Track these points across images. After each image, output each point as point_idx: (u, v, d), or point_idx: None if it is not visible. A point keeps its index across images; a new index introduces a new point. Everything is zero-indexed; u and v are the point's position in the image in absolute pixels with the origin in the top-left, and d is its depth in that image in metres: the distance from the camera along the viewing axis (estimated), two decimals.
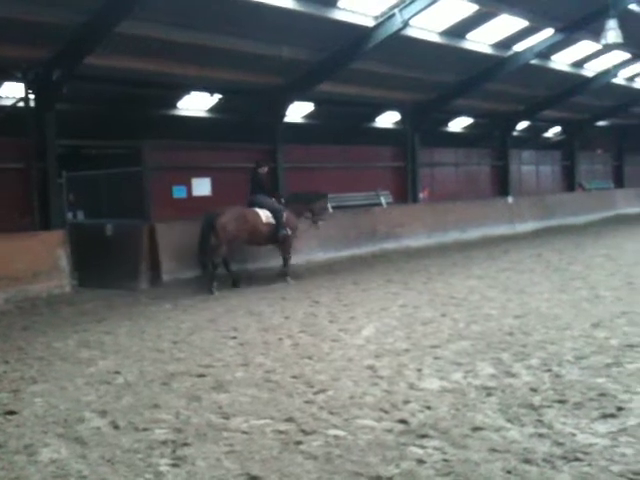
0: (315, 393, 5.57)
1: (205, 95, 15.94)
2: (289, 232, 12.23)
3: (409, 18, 13.35)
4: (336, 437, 4.58)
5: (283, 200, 12.66)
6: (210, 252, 11.53)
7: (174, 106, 16.35)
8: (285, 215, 12.30)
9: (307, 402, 5.35)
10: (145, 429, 4.88)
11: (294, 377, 6.06)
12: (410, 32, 14.27)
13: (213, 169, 15.62)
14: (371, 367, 6.27)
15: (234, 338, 7.78)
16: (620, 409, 4.84)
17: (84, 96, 14.44)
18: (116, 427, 4.93)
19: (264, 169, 12.68)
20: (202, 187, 15.42)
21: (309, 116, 18.54)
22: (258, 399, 5.48)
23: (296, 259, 15.03)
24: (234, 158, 16.01)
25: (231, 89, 15.49)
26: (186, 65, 13.59)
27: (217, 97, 15.97)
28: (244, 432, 4.75)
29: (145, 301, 10.73)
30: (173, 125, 16.27)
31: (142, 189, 14.03)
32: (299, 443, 4.50)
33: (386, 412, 5.02)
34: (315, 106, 17.92)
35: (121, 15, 10.80)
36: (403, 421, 4.81)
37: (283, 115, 16.17)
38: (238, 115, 16.79)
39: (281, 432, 4.71)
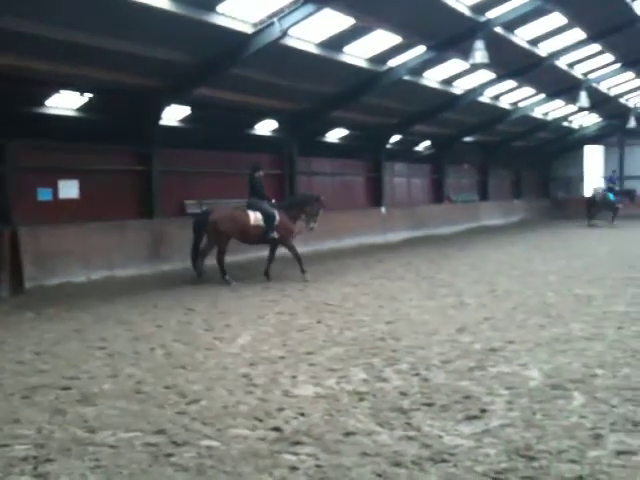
0: (188, 403, 5.44)
1: (76, 94, 15.22)
2: (276, 235, 12.65)
3: (288, 28, 13.44)
4: (209, 448, 4.49)
5: (273, 203, 13.07)
6: (202, 252, 12.70)
7: (42, 104, 15.48)
8: (278, 219, 12.69)
9: (179, 413, 5.21)
10: (4, 445, 4.57)
11: (166, 387, 5.90)
12: (289, 42, 14.38)
13: (82, 171, 14.91)
14: (246, 375, 6.22)
15: (102, 348, 7.45)
16: (484, 411, 5.09)
17: None
18: None
19: (259, 173, 13.16)
20: (69, 190, 14.67)
21: (186, 120, 18.18)
22: (127, 411, 5.27)
23: (172, 266, 14.72)
24: (105, 160, 15.39)
25: (104, 89, 14.89)
26: (55, 62, 12.91)
27: (88, 96, 15.29)
28: (111, 446, 4.56)
29: (5, 310, 10.05)
30: (41, 124, 15.37)
31: (4, 191, 13.20)
32: (170, 455, 4.38)
33: (260, 420, 4.99)
34: (192, 110, 17.61)
35: None
36: (277, 429, 4.80)
37: (158, 118, 15.76)
38: (111, 116, 16.16)
39: (151, 445, 4.56)
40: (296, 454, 4.36)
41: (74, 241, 13.02)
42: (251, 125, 20.42)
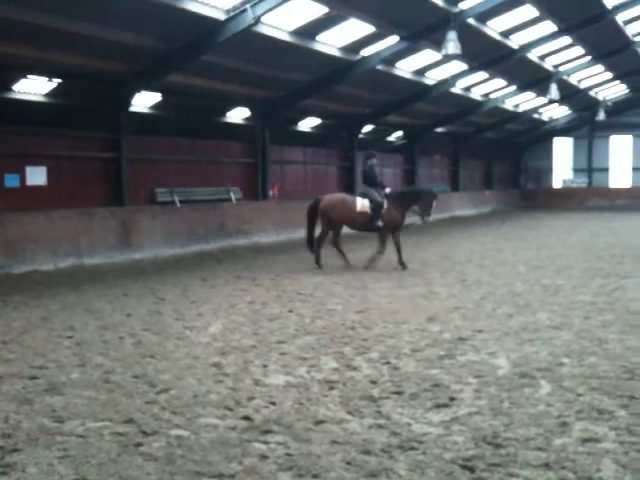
0: (157, 393, 5.40)
1: (44, 79, 14.93)
2: (381, 224, 12.56)
3: (260, 15, 13.33)
4: (178, 437, 4.46)
5: (386, 192, 12.84)
6: (319, 239, 13.06)
7: (9, 89, 15.16)
8: (385, 208, 12.56)
9: (148, 402, 5.17)
10: None
11: (135, 377, 5.84)
12: (262, 29, 14.27)
13: (50, 158, 14.67)
14: (217, 365, 6.20)
15: (70, 337, 7.36)
16: (452, 399, 5.14)
17: None
18: None
19: (372, 161, 13.22)
20: (37, 176, 14.42)
21: (157, 107, 17.96)
22: (95, 401, 5.22)
23: (143, 254, 14.60)
24: (74, 147, 15.14)
25: (73, 74, 14.62)
26: (23, 46, 12.64)
27: (56, 81, 15.00)
28: (79, 436, 4.50)
29: None
30: (8, 109, 15.05)
31: None
32: (139, 445, 4.34)
33: (230, 410, 4.98)
34: (163, 97, 17.40)
35: None
36: (247, 418, 4.79)
37: (128, 104, 15.54)
38: (80, 102, 15.90)
39: (120, 434, 4.52)
40: (266, 443, 4.36)
41: (42, 228, 12.84)
42: (223, 113, 20.28)
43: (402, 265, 12.61)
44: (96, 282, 11.42)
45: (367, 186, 13.03)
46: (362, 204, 12.70)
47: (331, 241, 13.23)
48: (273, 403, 5.11)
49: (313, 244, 13.14)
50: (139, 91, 15.75)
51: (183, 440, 4.41)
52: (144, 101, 17.18)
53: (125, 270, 12.94)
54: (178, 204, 17.30)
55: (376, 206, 12.60)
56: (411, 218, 13.59)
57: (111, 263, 13.53)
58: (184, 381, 5.71)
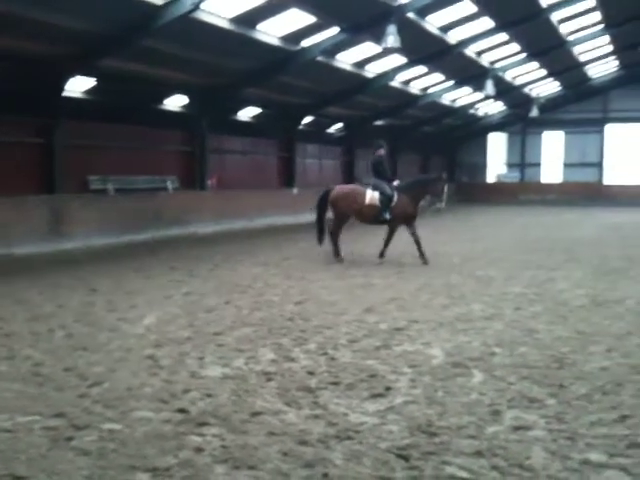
0: (89, 386, 5.27)
1: None
2: (388, 217, 12.33)
3: (200, 1, 13.09)
4: (111, 431, 4.37)
5: (395, 184, 12.58)
6: (333, 232, 12.76)
7: None
8: (395, 200, 12.27)
9: (80, 396, 5.04)
10: None
11: (66, 370, 5.69)
12: (201, 15, 14.02)
13: None
14: (151, 357, 6.09)
15: None
16: (388, 389, 5.20)
17: None
18: None
19: (379, 152, 12.94)
20: None
21: (92, 92, 17.42)
22: (24, 394, 5.06)
23: (75, 244, 14.21)
24: (3, 132, 14.53)
25: (3, 56, 14.00)
26: None
27: None
28: (8, 430, 4.38)
29: None
30: None
31: None
32: (70, 439, 4.24)
33: (165, 402, 4.90)
34: (98, 82, 16.89)
35: None
36: (183, 410, 4.73)
37: (61, 89, 15.02)
38: (10, 85, 15.27)
39: (50, 429, 4.41)
40: (202, 435, 4.31)
41: None
42: (161, 100, 19.84)
43: (423, 259, 12.26)
44: (26, 272, 11.04)
45: (376, 178, 12.68)
46: (372, 196, 12.42)
47: (330, 228, 12.91)
48: (209, 395, 5.05)
49: (323, 236, 12.86)
50: (73, 75, 15.24)
51: (116, 434, 4.32)
52: (79, 86, 16.63)
53: (56, 260, 12.57)
54: (112, 192, 16.88)
55: (385, 199, 12.35)
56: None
57: (42, 253, 13.12)
58: (117, 374, 5.59)
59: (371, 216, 12.57)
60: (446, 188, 12.82)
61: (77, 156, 16.15)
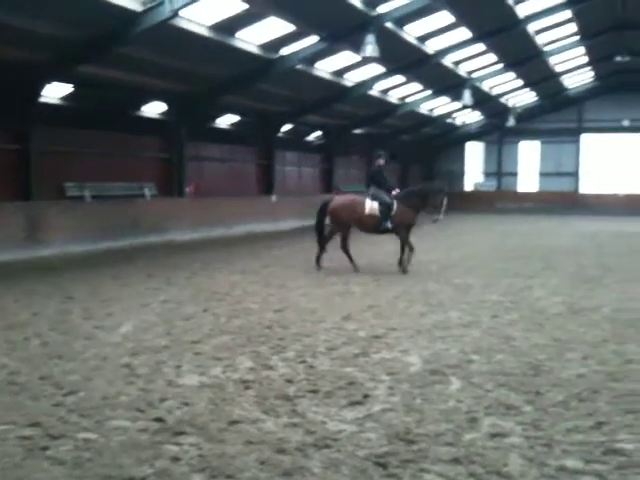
0: (65, 395, 5.20)
1: None
2: (390, 226, 12.30)
3: (178, 8, 13.04)
4: (86, 440, 4.32)
5: (394, 193, 12.54)
6: (343, 244, 12.64)
7: None
8: (395, 209, 12.27)
9: (55, 405, 4.98)
10: None
11: (41, 378, 5.61)
12: (180, 22, 13.98)
13: None
14: (127, 365, 6.03)
15: None
16: (366, 396, 5.20)
17: None
18: None
19: (379, 161, 13.02)
20: None
21: (69, 98, 17.28)
22: None
23: (51, 251, 14.05)
24: None
25: None
26: None
27: None
28: None
29: None
30: None
31: None
32: (45, 449, 4.19)
33: (142, 411, 4.85)
34: (76, 88, 16.76)
35: None
36: (159, 419, 4.69)
37: (38, 94, 14.88)
38: None
39: (25, 438, 4.35)
40: (179, 444, 4.27)
41: None
42: (139, 106, 19.74)
43: (402, 268, 12.36)
44: (1, 279, 10.88)
45: (376, 188, 12.66)
46: (371, 206, 12.40)
47: (328, 237, 12.88)
48: (186, 404, 5.01)
49: (323, 246, 12.79)
50: (50, 81, 15.12)
51: (92, 443, 4.27)
52: (55, 92, 16.49)
53: (32, 267, 12.42)
54: (89, 199, 16.73)
55: (385, 208, 12.36)
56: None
57: (17, 260, 12.95)
58: (93, 382, 5.52)
59: (371, 225, 12.61)
60: (445, 200, 12.85)
61: (53, 162, 15.99)
